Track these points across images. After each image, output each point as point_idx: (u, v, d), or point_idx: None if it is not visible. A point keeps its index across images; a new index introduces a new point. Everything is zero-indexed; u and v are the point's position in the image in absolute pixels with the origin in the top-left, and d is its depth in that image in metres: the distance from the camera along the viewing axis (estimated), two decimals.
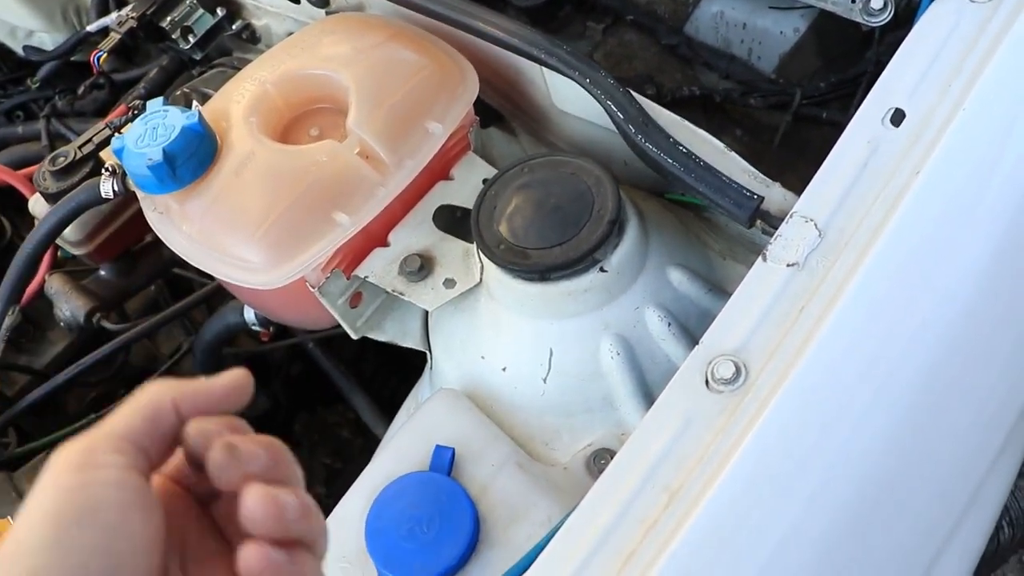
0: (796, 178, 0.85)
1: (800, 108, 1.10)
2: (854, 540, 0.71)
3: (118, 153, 0.88)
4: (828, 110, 1.11)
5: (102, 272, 1.18)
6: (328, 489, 1.72)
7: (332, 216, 0.84)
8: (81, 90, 1.42)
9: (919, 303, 0.73)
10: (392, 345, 0.95)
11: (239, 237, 0.84)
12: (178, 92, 1.21)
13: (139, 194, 0.90)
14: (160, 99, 0.90)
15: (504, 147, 1.20)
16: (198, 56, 1.30)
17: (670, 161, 0.80)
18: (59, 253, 1.25)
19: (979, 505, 0.85)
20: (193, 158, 0.87)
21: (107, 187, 0.94)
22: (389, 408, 1.22)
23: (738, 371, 0.70)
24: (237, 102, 0.92)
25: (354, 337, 0.93)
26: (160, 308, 1.33)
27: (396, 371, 1.43)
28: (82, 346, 1.28)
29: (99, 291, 1.15)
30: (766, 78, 1.14)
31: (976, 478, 0.83)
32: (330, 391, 1.38)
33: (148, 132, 0.87)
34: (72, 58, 1.50)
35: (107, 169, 0.94)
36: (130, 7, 1.29)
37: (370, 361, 1.48)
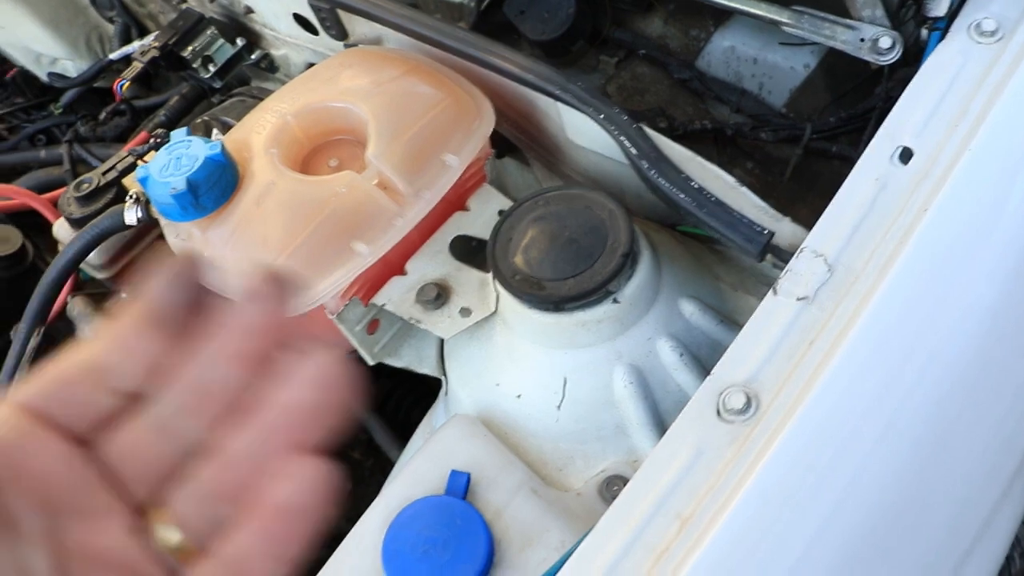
0: (807, 210, 0.87)
1: (810, 142, 1.12)
2: (864, 570, 0.72)
3: (143, 182, 0.90)
4: (838, 144, 1.12)
5: (124, 296, 1.20)
6: (340, 509, 1.73)
7: (351, 245, 0.86)
8: (103, 116, 1.45)
9: (928, 337, 0.75)
10: (405, 372, 0.96)
11: (261, 264, 0.86)
12: (198, 120, 1.24)
13: (162, 221, 0.93)
14: (184, 129, 0.92)
15: (518, 177, 1.23)
16: (217, 84, 1.33)
17: (682, 196, 0.82)
18: (80, 275, 1.28)
19: (990, 536, 0.86)
20: (216, 187, 0.89)
21: (131, 214, 0.96)
22: (402, 430, 1.23)
23: (749, 402, 0.72)
24: (258, 133, 0.94)
25: (371, 363, 0.95)
26: None
27: (409, 393, 1.44)
28: None
29: None
30: (777, 112, 1.16)
31: (987, 509, 0.84)
32: None
33: (172, 162, 0.89)
34: (95, 84, 1.54)
35: (131, 197, 0.96)
36: (152, 36, 1.32)
37: (384, 383, 1.49)
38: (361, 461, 1.72)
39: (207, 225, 0.90)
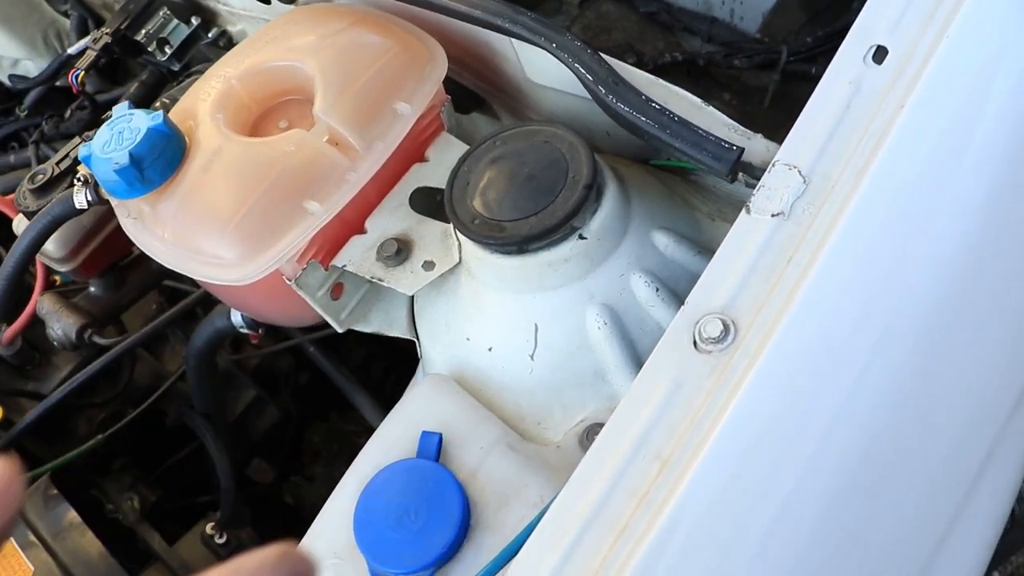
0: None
1: (788, 66, 1.06)
2: (857, 504, 0.67)
3: (86, 160, 0.86)
4: (817, 65, 1.07)
5: (92, 289, 1.17)
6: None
7: (303, 205, 0.81)
8: (68, 113, 1.41)
9: (914, 242, 0.69)
10: (401, 347, 0.92)
11: (211, 234, 0.82)
12: (157, 103, 1.20)
13: (113, 201, 0.89)
14: (126, 104, 0.88)
15: (488, 131, 1.18)
16: (176, 67, 1.29)
17: (643, 119, 0.76)
18: (57, 279, 1.25)
19: (994, 470, 0.80)
20: (160, 159, 0.85)
21: (80, 197, 0.92)
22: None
23: (726, 329, 0.67)
24: (203, 100, 0.90)
25: (339, 330, 0.91)
26: None
27: (405, 373, 1.40)
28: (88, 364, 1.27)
29: (90, 308, 1.14)
30: (751, 38, 1.11)
31: (989, 438, 0.78)
32: (343, 398, 1.36)
33: (114, 137, 0.85)
34: (58, 83, 1.50)
35: (79, 179, 0.92)
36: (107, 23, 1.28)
37: (379, 364, 1.46)
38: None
39: (156, 199, 0.86)
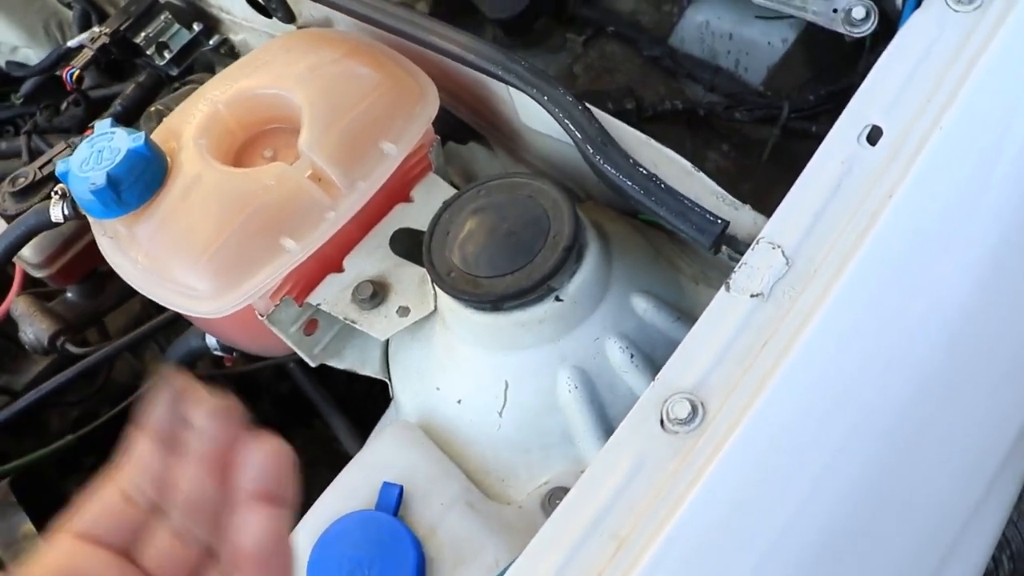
0: (785, 194, 0.80)
1: (789, 122, 1.05)
2: None
3: (63, 177, 0.85)
4: (818, 124, 1.05)
5: (69, 294, 1.16)
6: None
7: (279, 242, 0.80)
8: (64, 106, 1.40)
9: (892, 337, 0.68)
10: None
11: (184, 263, 0.81)
12: (151, 109, 1.18)
13: (89, 218, 0.87)
14: (109, 120, 0.87)
15: (486, 163, 1.16)
16: (175, 72, 1.27)
17: (629, 183, 0.75)
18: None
19: (970, 541, 0.79)
20: (139, 182, 0.83)
21: (56, 211, 0.90)
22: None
23: (694, 410, 0.65)
24: (189, 122, 0.88)
25: (312, 364, 0.89)
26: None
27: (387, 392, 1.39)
28: (63, 365, 1.26)
29: (65, 313, 1.13)
30: (753, 91, 1.09)
31: (963, 516, 0.77)
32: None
33: (94, 155, 0.84)
34: (57, 72, 1.49)
35: (57, 192, 0.91)
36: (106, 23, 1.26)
37: (362, 382, 1.44)
38: (349, 454, 1.67)
39: (133, 222, 0.84)
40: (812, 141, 1.08)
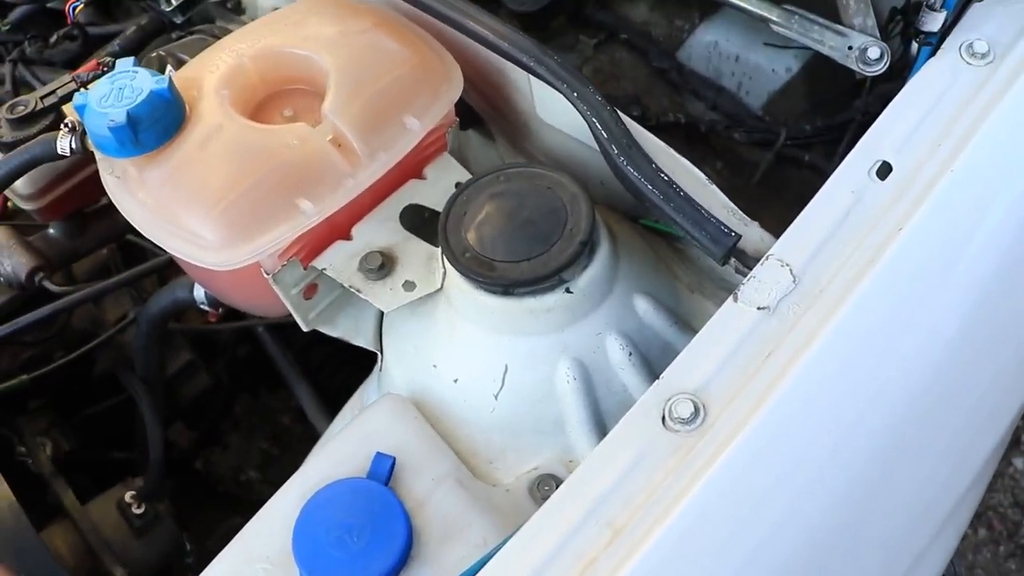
0: (771, 217, 0.83)
1: (783, 148, 1.09)
2: None
3: (80, 110, 0.84)
4: (811, 153, 1.09)
5: (51, 230, 1.13)
6: (263, 475, 1.68)
7: (295, 202, 0.80)
8: (54, 39, 1.36)
9: (887, 362, 0.72)
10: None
11: (196, 212, 0.81)
12: (153, 54, 1.16)
13: (97, 155, 0.86)
14: (132, 59, 0.86)
15: (480, 151, 1.17)
16: (179, 20, 1.25)
17: (650, 188, 0.77)
18: (9, 204, 1.21)
19: (929, 557, 0.84)
20: (158, 124, 0.83)
21: (64, 143, 0.89)
22: (334, 401, 1.18)
23: (696, 411, 0.68)
24: (211, 72, 0.88)
25: (305, 329, 0.90)
26: (110, 273, 1.28)
27: (345, 364, 1.39)
28: (26, 300, 1.23)
29: (45, 250, 1.10)
30: (753, 114, 1.13)
31: (926, 536, 0.81)
32: (276, 376, 1.34)
33: (114, 92, 0.83)
34: (48, 4, 1.45)
35: (67, 125, 0.89)
36: None
37: (320, 351, 1.44)
38: (290, 427, 1.67)
39: (145, 164, 0.84)
40: (802, 169, 1.13)
